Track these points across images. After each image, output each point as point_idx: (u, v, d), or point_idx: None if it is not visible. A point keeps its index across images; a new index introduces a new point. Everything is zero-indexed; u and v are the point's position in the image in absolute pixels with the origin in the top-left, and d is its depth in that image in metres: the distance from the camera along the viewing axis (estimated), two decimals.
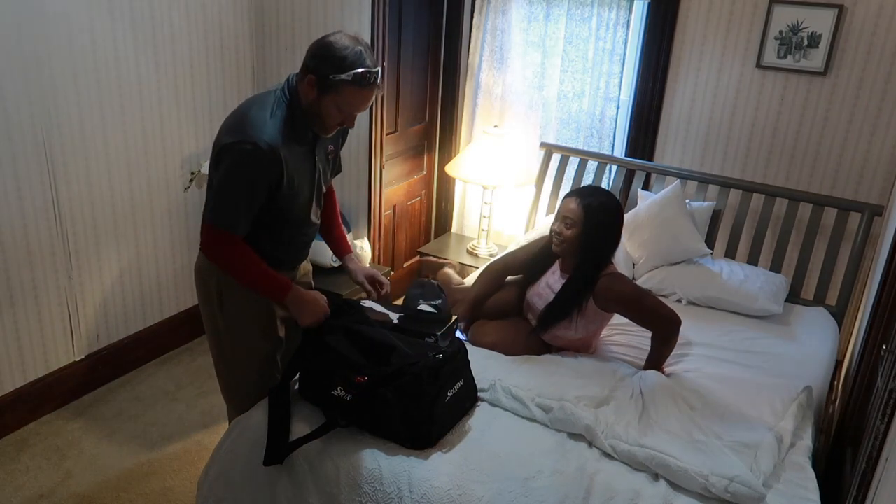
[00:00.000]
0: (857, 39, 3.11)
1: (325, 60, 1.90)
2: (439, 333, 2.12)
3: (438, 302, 2.36)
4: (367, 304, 2.33)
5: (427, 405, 1.90)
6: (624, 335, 2.70)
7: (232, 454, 2.04)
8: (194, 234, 3.48)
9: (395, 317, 2.25)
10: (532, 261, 2.62)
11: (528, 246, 2.73)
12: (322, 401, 2.01)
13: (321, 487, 1.90)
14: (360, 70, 1.90)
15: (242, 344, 2.21)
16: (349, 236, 3.68)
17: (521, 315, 2.65)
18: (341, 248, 2.40)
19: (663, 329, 2.43)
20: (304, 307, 2.07)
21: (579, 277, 2.42)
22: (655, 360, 2.47)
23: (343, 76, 1.89)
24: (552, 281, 2.53)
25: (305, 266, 2.39)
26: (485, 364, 2.29)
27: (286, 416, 2.00)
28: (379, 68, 1.96)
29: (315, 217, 2.21)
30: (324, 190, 2.22)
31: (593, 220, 2.37)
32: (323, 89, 1.92)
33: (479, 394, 2.18)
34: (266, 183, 1.95)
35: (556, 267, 2.55)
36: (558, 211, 2.45)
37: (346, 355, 2.01)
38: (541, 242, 2.64)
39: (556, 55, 3.74)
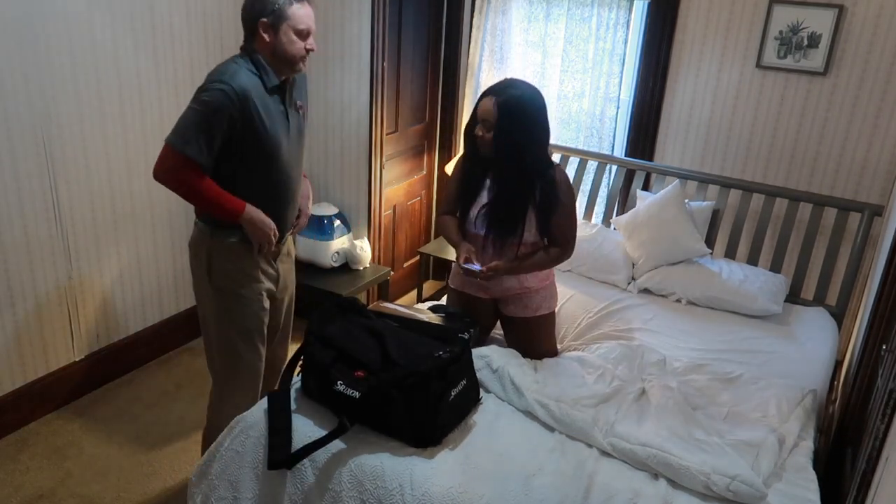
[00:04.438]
0: (857, 39, 3.11)
1: (263, 1, 2.13)
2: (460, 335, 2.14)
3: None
4: (389, 305, 2.41)
5: (432, 404, 1.91)
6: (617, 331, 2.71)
7: (233, 452, 2.04)
8: None
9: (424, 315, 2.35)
10: (463, 183, 2.50)
11: (451, 180, 2.61)
12: (327, 398, 2.01)
13: (323, 484, 1.90)
14: None
15: (227, 313, 2.31)
16: (349, 236, 3.70)
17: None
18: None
19: (564, 244, 2.45)
20: (256, 226, 2.21)
21: (518, 169, 2.34)
22: (518, 265, 2.40)
23: (282, 0, 2.13)
24: (490, 188, 2.44)
25: (289, 244, 2.48)
26: (498, 353, 2.32)
27: (287, 418, 2.00)
28: None
29: (297, 173, 2.34)
30: (303, 143, 2.37)
31: (506, 114, 2.27)
32: (275, 23, 2.13)
33: (484, 371, 2.21)
34: (228, 117, 2.08)
35: (490, 175, 2.44)
36: (476, 113, 2.36)
37: (345, 350, 2.02)
38: (458, 164, 2.55)
39: (556, 55, 3.74)
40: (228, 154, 2.16)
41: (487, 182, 2.45)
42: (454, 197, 2.55)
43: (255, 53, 2.17)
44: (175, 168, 2.09)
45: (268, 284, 2.36)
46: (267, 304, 2.38)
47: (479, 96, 2.39)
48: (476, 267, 2.34)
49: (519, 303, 2.55)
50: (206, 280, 2.30)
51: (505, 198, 2.39)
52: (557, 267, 3.28)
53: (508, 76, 2.49)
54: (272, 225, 2.24)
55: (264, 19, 2.13)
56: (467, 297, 2.59)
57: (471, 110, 3.96)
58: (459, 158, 2.58)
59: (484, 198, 2.45)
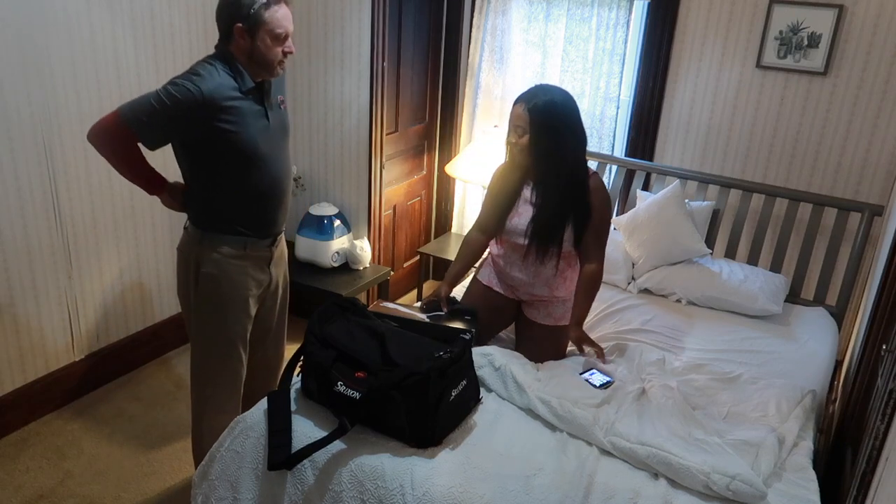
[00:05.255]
0: (857, 39, 3.11)
1: (239, 5, 2.07)
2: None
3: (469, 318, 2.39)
4: (390, 305, 2.40)
5: (432, 405, 1.91)
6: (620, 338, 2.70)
7: (233, 453, 2.04)
8: None
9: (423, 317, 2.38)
10: (500, 194, 2.50)
11: (488, 190, 2.61)
12: (328, 398, 2.01)
13: (324, 485, 1.90)
14: None
15: (210, 320, 2.30)
16: (349, 236, 3.70)
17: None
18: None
19: (597, 260, 2.41)
20: (164, 205, 2.32)
21: (557, 180, 2.35)
22: (580, 313, 2.43)
23: (259, 3, 2.06)
24: (529, 197, 2.45)
25: (282, 247, 2.45)
26: (501, 351, 2.32)
27: (287, 418, 2.00)
28: None
29: (284, 172, 2.31)
30: (287, 140, 2.33)
31: (539, 120, 2.28)
32: (252, 28, 2.08)
33: (485, 368, 2.22)
34: (186, 113, 2.04)
35: (528, 186, 2.47)
36: (509, 120, 2.37)
37: (345, 350, 2.02)
38: (496, 174, 2.56)
39: (556, 55, 3.74)
40: (204, 158, 2.17)
41: (525, 192, 2.46)
42: (490, 206, 2.54)
43: (231, 56, 2.12)
44: (114, 137, 2.08)
45: (256, 291, 2.34)
46: (253, 310, 2.36)
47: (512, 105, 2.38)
48: (606, 380, 2.30)
49: (543, 309, 2.55)
50: (192, 286, 2.28)
51: (548, 206, 2.39)
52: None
53: (540, 82, 2.50)
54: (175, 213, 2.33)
55: (239, 24, 2.08)
56: (493, 293, 2.59)
57: (471, 110, 3.99)
58: (498, 169, 2.57)
59: (520, 207, 2.46)
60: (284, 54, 2.16)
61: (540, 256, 2.43)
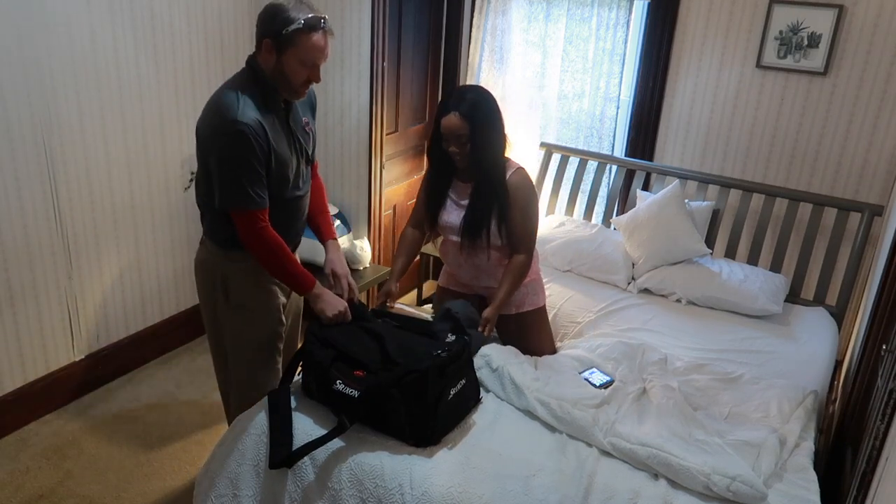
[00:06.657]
0: (857, 39, 3.11)
1: (273, 20, 2.01)
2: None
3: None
4: (394, 305, 2.44)
5: (432, 403, 1.91)
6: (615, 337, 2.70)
7: (234, 452, 2.04)
8: (194, 234, 3.48)
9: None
10: (429, 195, 2.55)
11: (421, 188, 2.65)
12: (327, 397, 2.01)
13: (323, 483, 1.91)
14: (308, 16, 2.01)
15: (246, 332, 2.27)
16: (349, 236, 3.70)
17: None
18: (324, 233, 2.43)
19: (524, 250, 2.42)
20: (325, 303, 2.18)
21: (487, 178, 2.39)
22: (501, 297, 2.42)
23: (294, 26, 1.99)
24: (456, 195, 2.50)
25: (299, 255, 2.44)
26: (498, 351, 2.32)
27: (287, 417, 2.01)
28: (325, 17, 2.07)
29: (304, 188, 2.27)
30: (309, 161, 2.29)
31: (478, 122, 2.30)
32: (280, 47, 2.02)
33: (483, 370, 2.22)
34: (259, 155, 2.03)
35: (454, 183, 2.51)
36: (442, 132, 2.34)
37: (345, 350, 2.03)
38: (426, 177, 2.60)
39: (556, 55, 3.74)
40: None
41: (451, 193, 2.51)
42: (421, 204, 2.59)
43: (258, 71, 2.06)
44: (252, 229, 2.07)
45: (282, 298, 2.32)
46: (284, 321, 2.34)
47: (437, 115, 2.36)
48: (606, 379, 2.32)
49: None
50: (223, 301, 2.24)
51: (477, 203, 2.43)
52: (555, 266, 3.30)
53: (459, 86, 2.51)
54: (341, 305, 2.20)
55: (268, 39, 2.01)
56: (454, 294, 2.63)
57: None
58: (425, 174, 2.61)
59: (448, 205, 2.51)
60: (309, 80, 2.09)
61: (472, 250, 2.48)
